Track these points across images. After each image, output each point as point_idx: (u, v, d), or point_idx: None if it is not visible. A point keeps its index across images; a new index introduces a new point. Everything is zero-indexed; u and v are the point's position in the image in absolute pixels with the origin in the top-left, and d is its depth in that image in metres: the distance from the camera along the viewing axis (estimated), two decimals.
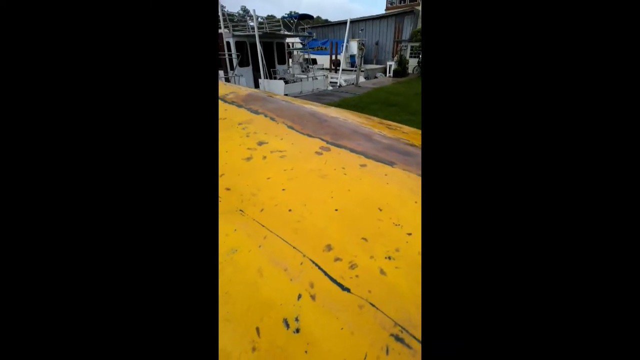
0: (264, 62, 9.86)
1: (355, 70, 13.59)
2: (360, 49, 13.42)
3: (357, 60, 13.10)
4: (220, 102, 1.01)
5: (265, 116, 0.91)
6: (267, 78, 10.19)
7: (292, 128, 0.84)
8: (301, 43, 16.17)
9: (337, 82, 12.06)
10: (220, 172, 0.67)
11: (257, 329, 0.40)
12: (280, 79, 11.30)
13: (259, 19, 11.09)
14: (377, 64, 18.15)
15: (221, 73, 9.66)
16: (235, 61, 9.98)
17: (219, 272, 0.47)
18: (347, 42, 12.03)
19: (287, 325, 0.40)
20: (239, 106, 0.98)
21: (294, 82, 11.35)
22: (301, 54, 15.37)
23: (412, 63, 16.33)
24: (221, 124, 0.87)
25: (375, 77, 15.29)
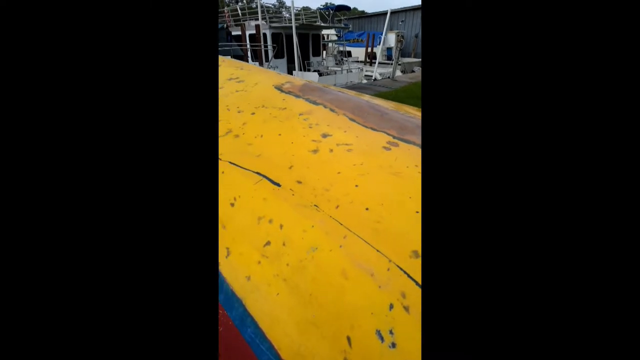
0: (299, 53, 9.85)
1: (391, 64, 13.19)
2: (398, 41, 12.94)
3: (394, 53, 12.63)
4: (277, 91, 1.00)
5: (325, 107, 0.88)
6: (301, 70, 10.19)
7: (353, 120, 0.80)
8: (336, 35, 15.92)
9: (372, 76, 11.77)
10: (288, 164, 0.65)
11: (348, 338, 0.37)
12: (315, 71, 11.25)
13: (295, 10, 11.07)
14: (415, 57, 17.45)
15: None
16: (270, 53, 10.07)
17: (302, 270, 0.46)
18: (385, 34, 11.63)
19: (382, 338, 0.36)
20: (297, 96, 0.96)
21: (328, 74, 11.25)
22: (336, 46, 15.13)
23: None
24: (281, 114, 0.86)
25: (413, 72, 14.74)
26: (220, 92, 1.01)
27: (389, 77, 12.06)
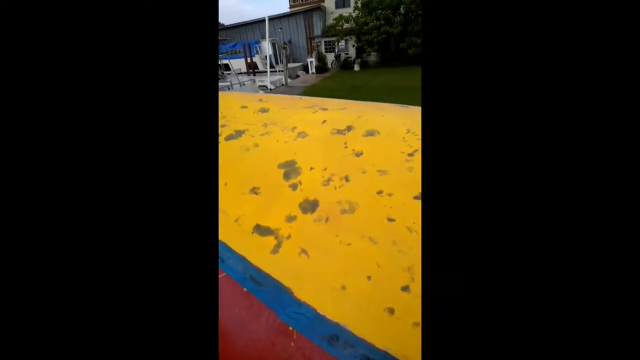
0: None
1: (276, 71, 12.83)
2: (283, 47, 12.65)
3: (282, 60, 12.31)
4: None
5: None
6: None
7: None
8: None
9: (266, 86, 11.07)
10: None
11: None
12: None
13: None
14: (293, 62, 17.65)
15: None
16: None
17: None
18: (268, 42, 11.12)
19: None
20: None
21: (220, 90, 9.97)
22: None
23: (330, 58, 16.42)
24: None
25: (297, 76, 14.82)
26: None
27: (282, 85, 11.67)
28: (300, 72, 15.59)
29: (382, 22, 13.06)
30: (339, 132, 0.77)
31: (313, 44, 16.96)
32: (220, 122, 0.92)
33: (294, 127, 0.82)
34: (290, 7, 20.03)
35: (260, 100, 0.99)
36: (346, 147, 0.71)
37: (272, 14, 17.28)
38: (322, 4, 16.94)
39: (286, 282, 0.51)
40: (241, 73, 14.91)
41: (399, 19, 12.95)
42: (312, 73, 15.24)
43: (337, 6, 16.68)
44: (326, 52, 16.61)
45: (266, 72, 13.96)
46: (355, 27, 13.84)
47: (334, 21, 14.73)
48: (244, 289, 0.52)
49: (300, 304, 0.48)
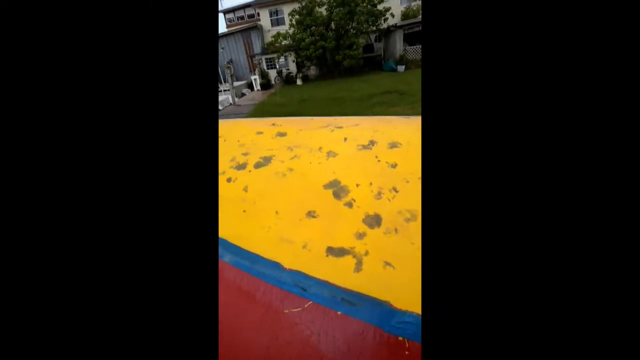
0: None
1: (221, 91, 12.82)
2: (227, 67, 12.69)
3: (228, 79, 12.34)
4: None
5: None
6: None
7: None
8: None
9: None
10: None
11: None
12: None
13: None
14: (236, 80, 17.71)
15: None
16: None
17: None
18: None
19: None
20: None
21: None
22: None
23: (272, 74, 16.83)
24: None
25: (243, 94, 14.93)
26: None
27: (231, 104, 11.72)
28: (245, 90, 15.69)
29: (317, 37, 13.93)
30: (365, 147, 0.81)
31: (254, 62, 17.25)
32: (241, 150, 0.94)
33: (320, 148, 0.85)
34: (227, 26, 20.11)
35: (274, 124, 1.04)
36: (379, 161, 0.76)
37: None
38: (259, 22, 17.40)
39: (381, 295, 0.52)
40: None
41: (331, 34, 13.93)
42: (258, 90, 15.47)
43: (272, 24, 17.25)
44: (268, 68, 17.01)
45: None
46: (293, 43, 14.51)
47: (273, 39, 15.23)
48: (338, 313, 0.53)
49: (403, 313, 0.49)
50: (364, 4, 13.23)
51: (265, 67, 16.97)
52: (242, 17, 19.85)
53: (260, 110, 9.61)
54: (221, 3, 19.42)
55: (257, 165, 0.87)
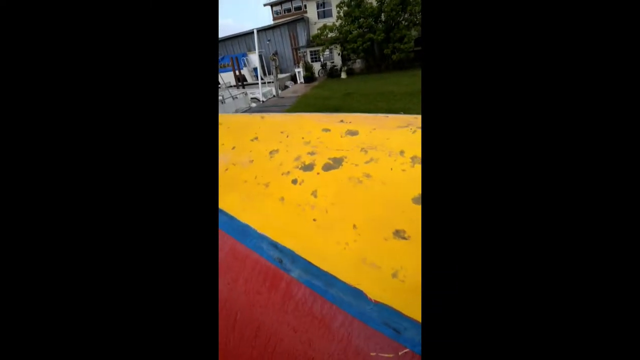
0: None
1: (265, 83, 13.07)
2: (272, 59, 12.93)
3: (272, 71, 12.58)
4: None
5: None
6: None
7: None
8: None
9: (258, 98, 11.29)
10: None
11: None
12: None
13: None
14: (281, 72, 17.96)
15: None
16: None
17: None
18: (259, 53, 11.38)
19: None
20: None
21: None
22: None
23: (316, 67, 16.80)
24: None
25: (287, 87, 15.09)
26: None
27: (274, 96, 11.91)
28: (288, 83, 15.87)
29: (365, 29, 13.53)
30: None
31: (299, 54, 17.32)
32: (306, 148, 0.84)
33: (402, 151, 0.72)
34: (274, 19, 20.42)
35: (342, 121, 0.91)
36: None
37: (256, 27, 17.66)
38: (305, 15, 17.39)
39: None
40: (231, 86, 15.09)
41: (381, 26, 13.44)
42: (301, 83, 15.55)
43: (319, 17, 17.15)
44: (312, 61, 16.99)
45: (254, 84, 14.19)
46: (340, 35, 14.27)
47: (319, 31, 15.12)
48: None
49: None
50: None
51: (309, 60, 16.97)
52: (288, 10, 19.98)
53: (304, 103, 9.63)
54: None
55: (327, 168, 0.77)
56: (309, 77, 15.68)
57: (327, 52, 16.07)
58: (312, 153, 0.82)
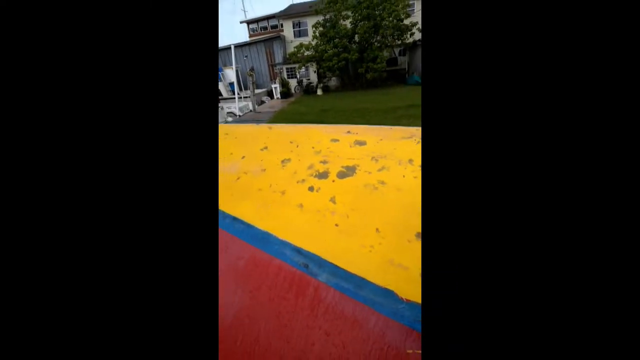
0: None
1: (241, 98, 13.05)
2: (249, 74, 12.96)
3: (249, 86, 12.59)
4: None
5: None
6: None
7: None
8: None
9: (234, 112, 11.20)
10: None
11: None
12: None
13: None
14: (257, 88, 18.04)
15: None
16: None
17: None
18: (234, 69, 11.37)
19: None
20: None
21: None
22: None
23: (292, 83, 17.09)
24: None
25: (263, 102, 15.15)
26: None
27: (251, 111, 11.88)
28: (265, 98, 15.94)
29: (340, 49, 14.09)
30: None
31: (275, 71, 17.57)
32: (318, 157, 0.88)
33: (411, 160, 0.77)
34: (250, 36, 20.67)
35: (349, 132, 0.96)
36: None
37: (233, 43, 17.78)
38: (282, 33, 17.80)
39: None
40: None
41: (355, 46, 14.07)
42: (277, 98, 15.70)
43: (295, 35, 17.63)
44: (288, 78, 17.29)
45: (230, 98, 14.08)
46: (316, 54, 14.72)
47: (295, 49, 15.51)
48: None
49: None
50: (390, 19, 13.34)
51: (286, 76, 17.24)
52: (265, 28, 20.37)
53: (281, 118, 9.70)
54: (245, 14, 20.01)
55: (341, 175, 0.80)
56: (285, 93, 15.89)
57: (303, 70, 16.45)
58: (324, 162, 0.85)
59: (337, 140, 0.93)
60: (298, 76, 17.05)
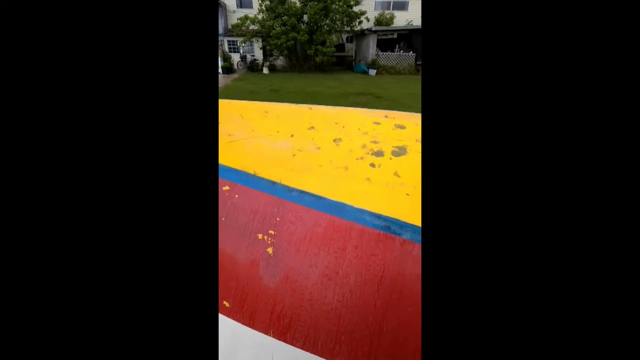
0: None
1: None
2: None
3: None
4: None
5: None
6: None
7: None
8: None
9: None
10: None
11: None
12: None
13: None
14: None
15: None
16: None
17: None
18: None
19: None
20: None
21: None
22: None
23: (235, 58, 15.99)
24: None
25: None
26: None
27: None
28: None
29: (289, 28, 13.65)
30: None
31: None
32: (368, 138, 0.92)
33: None
34: None
35: (386, 116, 1.00)
36: None
37: None
38: (222, 1, 16.31)
39: None
40: None
41: (304, 27, 13.77)
42: (220, 73, 14.58)
43: (237, 5, 16.36)
44: (230, 51, 16.11)
45: None
46: (263, 30, 13.97)
47: (239, 21, 14.45)
48: None
49: None
50: (340, 3, 13.34)
51: (227, 50, 16.02)
52: None
53: (226, 95, 9.09)
54: None
55: (396, 154, 0.85)
56: (228, 68, 14.80)
57: (247, 44, 15.51)
58: (375, 142, 0.89)
59: (379, 123, 0.97)
60: (242, 51, 15.99)
